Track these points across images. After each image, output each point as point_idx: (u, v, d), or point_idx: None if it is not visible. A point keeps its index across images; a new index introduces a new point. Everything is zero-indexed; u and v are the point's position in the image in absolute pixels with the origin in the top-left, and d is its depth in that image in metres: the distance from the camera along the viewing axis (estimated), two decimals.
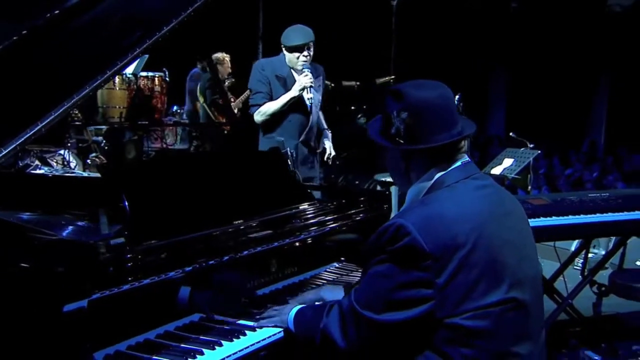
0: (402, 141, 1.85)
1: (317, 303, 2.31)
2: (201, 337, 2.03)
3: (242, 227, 2.36)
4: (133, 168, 2.19)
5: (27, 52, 2.12)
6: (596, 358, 3.82)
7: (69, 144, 6.36)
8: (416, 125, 1.83)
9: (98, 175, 3.49)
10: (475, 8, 11.59)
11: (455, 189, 1.83)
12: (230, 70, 8.31)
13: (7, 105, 1.99)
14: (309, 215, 2.67)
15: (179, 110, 9.59)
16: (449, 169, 1.86)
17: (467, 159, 1.92)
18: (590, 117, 13.10)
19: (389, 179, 5.79)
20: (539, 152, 4.98)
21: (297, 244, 2.50)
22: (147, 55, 6.93)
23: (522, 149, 4.79)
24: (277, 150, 3.06)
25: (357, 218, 2.81)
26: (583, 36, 10.98)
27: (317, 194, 3.17)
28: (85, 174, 4.68)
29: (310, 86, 4.10)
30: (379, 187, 5.77)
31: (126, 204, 2.08)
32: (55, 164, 5.97)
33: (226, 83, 8.31)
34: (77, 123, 6.47)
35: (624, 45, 11.03)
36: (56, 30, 2.12)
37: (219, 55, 8.13)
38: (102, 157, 6.59)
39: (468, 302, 1.70)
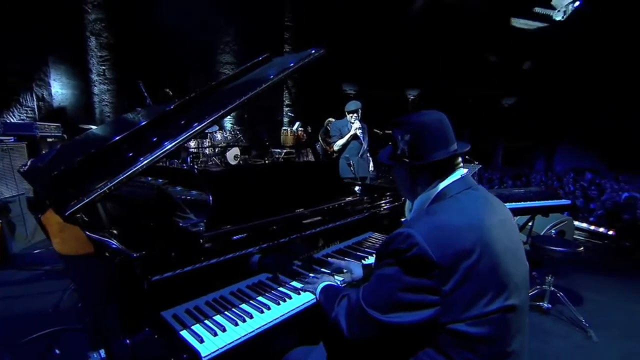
0: (407, 160, 1.33)
1: (341, 276, 1.79)
2: (258, 297, 1.58)
3: (304, 214, 1.93)
4: (221, 176, 1.85)
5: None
6: None
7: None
8: (418, 145, 1.30)
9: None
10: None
11: (458, 200, 1.25)
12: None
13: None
14: (352, 205, 2.24)
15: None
16: (450, 181, 1.30)
17: (465, 172, 1.33)
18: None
19: None
20: (480, 166, 5.05)
21: (344, 224, 2.10)
22: (299, 122, 8.92)
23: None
24: (333, 162, 2.77)
25: (384, 206, 2.35)
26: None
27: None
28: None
29: (360, 130, 4.59)
30: None
31: (210, 199, 1.68)
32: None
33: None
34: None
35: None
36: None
37: (332, 119, 8.19)
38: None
39: (473, 309, 1.11)
